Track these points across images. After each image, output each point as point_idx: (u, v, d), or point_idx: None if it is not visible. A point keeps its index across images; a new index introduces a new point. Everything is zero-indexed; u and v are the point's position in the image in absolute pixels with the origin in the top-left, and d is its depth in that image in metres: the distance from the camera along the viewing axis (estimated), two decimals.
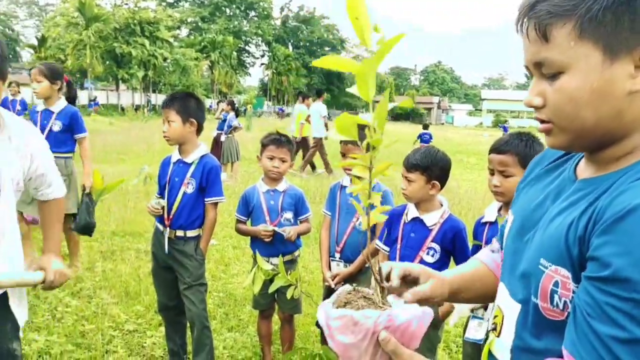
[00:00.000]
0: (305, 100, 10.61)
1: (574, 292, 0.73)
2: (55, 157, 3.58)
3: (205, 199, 2.54)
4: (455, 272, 1.06)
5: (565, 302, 0.74)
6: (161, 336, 2.97)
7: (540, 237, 0.80)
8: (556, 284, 0.75)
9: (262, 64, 62.07)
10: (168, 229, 2.53)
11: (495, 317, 0.90)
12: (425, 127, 16.04)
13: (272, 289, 1.96)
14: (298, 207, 2.75)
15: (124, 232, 5.31)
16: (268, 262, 2.55)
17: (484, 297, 1.07)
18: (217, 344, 2.81)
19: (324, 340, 2.75)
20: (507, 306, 0.86)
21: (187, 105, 2.52)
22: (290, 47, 62.45)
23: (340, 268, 2.65)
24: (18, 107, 8.89)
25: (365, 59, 0.78)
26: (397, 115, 56.41)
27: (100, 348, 2.84)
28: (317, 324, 2.72)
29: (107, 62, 34.88)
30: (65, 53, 33.17)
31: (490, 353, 0.91)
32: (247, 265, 4.43)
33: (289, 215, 2.71)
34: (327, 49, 65.86)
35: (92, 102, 31.56)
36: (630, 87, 0.72)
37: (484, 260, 1.09)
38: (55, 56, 33.74)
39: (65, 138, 3.85)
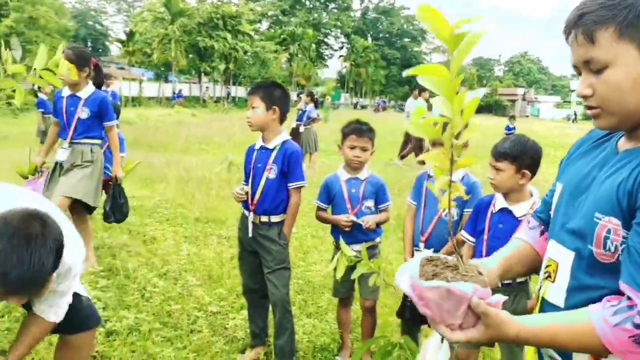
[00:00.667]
0: (421, 94, 10.33)
1: (623, 237, 0.93)
2: (81, 142, 3.69)
3: (288, 184, 2.59)
4: (499, 258, 1.21)
5: (615, 246, 0.94)
6: (243, 319, 3.07)
7: (594, 197, 0.99)
8: (609, 232, 0.95)
9: (340, 56, 62.30)
10: (252, 214, 2.61)
11: (548, 266, 1.09)
12: (512, 118, 15.39)
13: (354, 275, 1.99)
14: (379, 195, 2.75)
15: (207, 218, 5.56)
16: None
17: (529, 270, 1.24)
18: (296, 329, 2.87)
19: (404, 330, 2.73)
20: (561, 256, 1.06)
21: (272, 93, 2.59)
22: (369, 39, 62.14)
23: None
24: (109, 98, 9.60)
25: (450, 70, 0.87)
26: (479, 108, 54.35)
27: (186, 327, 2.99)
28: (397, 314, 2.71)
29: (191, 56, 36.70)
30: (152, 47, 35.31)
31: (543, 300, 1.09)
32: (326, 254, 4.46)
33: (369, 203, 2.73)
34: (406, 40, 64.69)
35: (176, 95, 33.35)
36: None
37: (524, 238, 1.26)
38: (142, 50, 36.08)
39: (92, 124, 3.71)
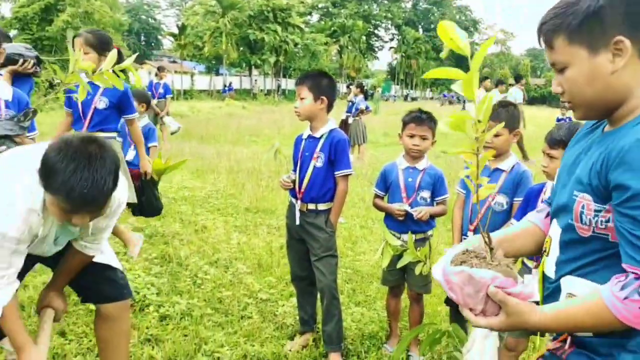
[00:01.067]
0: (482, 83, 10.03)
1: (595, 210, 1.06)
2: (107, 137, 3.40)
3: (335, 172, 2.61)
4: (500, 234, 1.32)
5: (589, 219, 1.07)
6: (292, 306, 3.11)
7: (575, 177, 1.13)
8: (583, 207, 1.08)
9: (390, 47, 61.63)
10: (300, 202, 2.64)
11: (545, 242, 1.23)
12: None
13: (400, 264, 2.03)
14: (436, 187, 2.73)
15: (256, 208, 5.67)
16: (399, 238, 2.59)
17: (536, 247, 1.32)
18: (344, 317, 2.90)
19: (452, 318, 2.71)
20: (554, 232, 1.19)
21: (320, 83, 2.62)
22: (421, 30, 61.03)
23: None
24: (161, 90, 9.90)
25: (469, 73, 1.03)
26: (532, 99, 52.21)
27: (236, 313, 3.06)
28: (446, 302, 2.69)
29: (241, 49, 37.34)
30: (203, 40, 36.18)
31: (543, 273, 1.22)
32: (374, 244, 4.47)
33: (425, 194, 2.71)
34: None
35: (227, 88, 34.06)
36: (612, 68, 1.05)
37: (531, 219, 1.37)
38: (193, 43, 37.02)
39: (110, 116, 3.51)
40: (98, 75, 2.92)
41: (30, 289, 3.15)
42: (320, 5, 54.19)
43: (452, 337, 2.23)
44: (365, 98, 10.37)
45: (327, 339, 2.67)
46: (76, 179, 1.43)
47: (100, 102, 3.44)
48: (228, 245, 4.29)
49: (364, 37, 49.64)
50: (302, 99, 2.61)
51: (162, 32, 55.97)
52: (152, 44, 56.13)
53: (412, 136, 2.69)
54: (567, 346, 1.16)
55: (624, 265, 1.00)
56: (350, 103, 10.26)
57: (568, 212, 1.13)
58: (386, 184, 2.81)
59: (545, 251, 1.22)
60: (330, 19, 50.29)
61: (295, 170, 2.73)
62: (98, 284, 2.00)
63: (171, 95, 10.07)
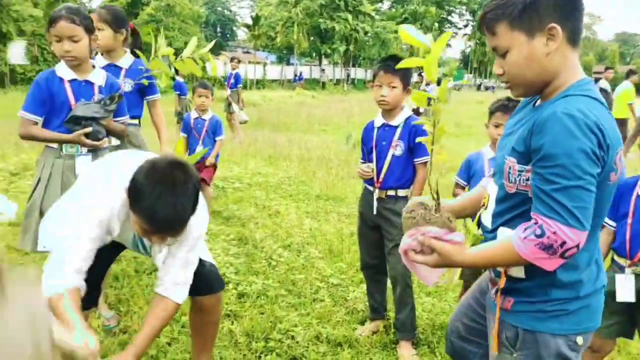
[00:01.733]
0: (630, 76, 9.43)
1: (518, 171, 1.28)
2: (122, 122, 3.02)
3: (415, 160, 2.59)
4: (457, 200, 1.64)
5: (514, 178, 1.29)
6: (362, 292, 3.15)
7: (508, 144, 1.33)
8: (510, 168, 1.30)
9: (464, 34, 59.43)
10: (377, 190, 2.64)
11: (484, 198, 1.46)
12: None
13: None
14: None
15: (327, 196, 5.75)
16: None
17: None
18: (416, 306, 2.88)
19: None
20: (491, 189, 1.41)
21: (410, 72, 2.59)
22: None
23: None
24: (232, 80, 10.22)
25: (427, 58, 1.33)
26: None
27: (309, 296, 3.16)
28: None
29: (312, 38, 37.62)
30: (275, 31, 36.82)
31: (479, 221, 1.46)
32: None
33: None
34: None
35: (297, 77, 34.48)
36: (546, 50, 1.25)
37: (482, 184, 1.62)
38: (266, 34, 37.75)
39: (134, 100, 3.12)
40: (179, 62, 3.04)
41: (122, 260, 3.41)
42: None
43: None
44: (438, 85, 10.12)
45: (400, 327, 2.69)
46: (160, 205, 1.53)
47: (126, 84, 3.09)
48: (300, 230, 4.40)
49: (436, 24, 48.25)
50: (393, 87, 2.53)
51: (236, 24, 57.49)
52: (227, 36, 57.78)
53: (497, 126, 2.61)
54: (499, 291, 1.39)
55: (531, 214, 1.24)
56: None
57: (501, 173, 1.36)
58: (469, 173, 2.76)
59: (484, 205, 1.46)
60: (401, 5, 49.30)
61: (364, 159, 2.74)
62: None
63: (241, 85, 10.35)
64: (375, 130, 2.68)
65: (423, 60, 1.32)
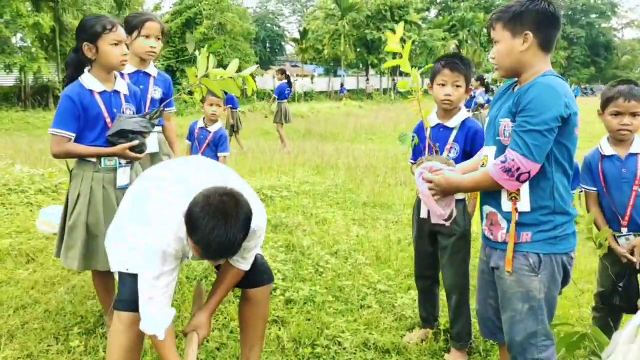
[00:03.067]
0: None
1: (511, 127, 1.75)
2: (155, 131, 3.06)
3: None
4: (464, 164, 2.17)
5: (508, 132, 1.77)
6: (410, 299, 3.09)
7: (498, 113, 1.86)
8: (505, 127, 1.79)
9: None
10: None
11: (483, 159, 1.92)
12: None
13: None
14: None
15: (374, 203, 5.69)
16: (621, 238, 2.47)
17: None
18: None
19: (595, 322, 2.56)
20: (488, 150, 1.89)
21: (470, 73, 2.51)
22: None
23: (630, 241, 2.38)
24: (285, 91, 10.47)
25: (402, 58, 2.16)
26: None
27: (356, 302, 3.11)
28: (603, 300, 2.52)
29: (358, 49, 37.66)
30: (323, 43, 37.12)
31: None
32: None
33: None
34: (593, 16, 57.14)
35: (341, 89, 34.54)
36: (521, 48, 1.78)
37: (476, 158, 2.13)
38: (313, 47, 38.13)
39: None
40: (220, 81, 2.67)
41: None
42: (438, 0, 52.61)
43: (590, 341, 2.06)
44: (487, 92, 9.87)
45: (455, 337, 2.60)
46: (213, 237, 1.64)
47: (155, 92, 3.13)
48: (347, 237, 4.36)
49: (484, 30, 47.13)
50: (457, 86, 2.46)
51: (285, 39, 58.43)
52: (276, 50, 58.85)
53: (617, 114, 2.37)
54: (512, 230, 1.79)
55: (507, 150, 1.74)
56: (469, 97, 9.84)
57: (496, 133, 1.83)
58: (592, 175, 2.51)
59: (483, 165, 1.89)
60: (448, 13, 48.50)
61: (414, 159, 2.66)
62: None
63: (287, 99, 10.56)
64: (428, 130, 2.55)
65: (401, 62, 2.06)
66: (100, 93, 2.43)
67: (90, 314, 2.82)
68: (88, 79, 2.43)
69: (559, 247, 1.77)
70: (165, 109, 3.22)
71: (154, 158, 3.11)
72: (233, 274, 2.06)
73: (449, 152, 2.49)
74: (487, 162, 1.86)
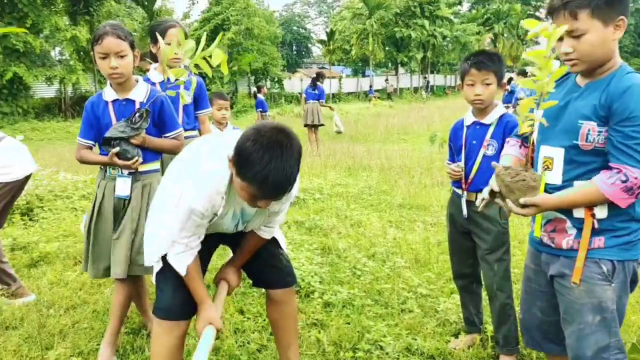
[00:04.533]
0: None
1: (598, 131, 1.62)
2: (192, 136, 3.15)
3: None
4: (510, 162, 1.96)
5: (593, 138, 1.63)
6: (454, 303, 3.02)
7: (574, 112, 1.68)
8: (589, 130, 1.63)
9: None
10: (466, 192, 2.53)
11: (545, 162, 1.75)
12: None
13: None
14: None
15: (410, 205, 5.64)
16: None
17: None
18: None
19: None
20: (554, 153, 1.72)
21: (502, 67, 2.48)
22: None
23: None
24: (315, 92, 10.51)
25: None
26: None
27: (396, 306, 3.07)
28: None
29: (387, 48, 37.51)
30: (350, 44, 37.14)
31: (546, 185, 1.73)
32: None
33: None
34: None
35: (370, 90, 34.47)
36: (613, 37, 1.62)
37: (512, 153, 1.99)
38: (341, 47, 38.18)
39: (191, 113, 3.29)
40: (190, 64, 2.48)
41: (213, 271, 3.54)
42: None
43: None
44: None
45: (502, 342, 2.52)
46: (270, 170, 1.57)
47: (188, 97, 3.18)
48: (384, 240, 4.33)
49: (522, 22, 46.19)
50: (487, 84, 2.42)
51: (311, 41, 58.80)
52: (303, 53, 59.26)
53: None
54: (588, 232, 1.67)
55: (610, 164, 1.59)
56: (506, 92, 9.63)
57: (571, 136, 1.66)
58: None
59: (547, 168, 1.74)
60: (482, 5, 47.75)
61: (452, 159, 2.64)
62: (264, 272, 2.19)
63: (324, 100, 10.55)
64: (465, 128, 2.57)
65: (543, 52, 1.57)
66: (113, 102, 2.46)
67: (135, 315, 2.92)
68: (107, 89, 2.49)
69: (632, 253, 1.68)
70: (198, 112, 3.35)
71: None
72: (256, 240, 2.12)
73: (487, 149, 2.47)
74: (552, 166, 1.72)
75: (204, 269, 2.08)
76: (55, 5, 21.28)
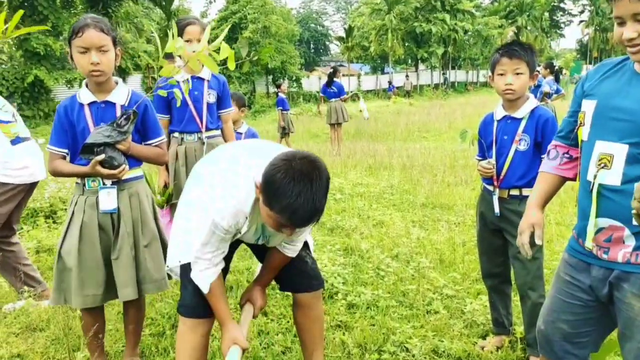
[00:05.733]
0: None
1: None
2: (216, 135, 3.25)
3: (543, 156, 2.40)
4: (541, 196, 1.83)
5: None
6: (481, 304, 3.00)
7: (631, 101, 1.49)
8: None
9: (580, 21, 55.29)
10: (498, 189, 2.51)
11: (602, 159, 1.54)
12: None
13: None
14: None
15: (433, 204, 5.61)
16: None
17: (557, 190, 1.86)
18: None
19: None
20: (614, 149, 1.51)
21: (535, 56, 2.44)
22: None
23: None
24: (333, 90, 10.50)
25: None
26: None
27: (422, 307, 3.07)
28: None
29: (407, 44, 37.31)
30: (369, 40, 37.03)
31: (600, 185, 1.54)
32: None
33: None
34: None
35: (390, 87, 34.38)
36: None
37: (552, 172, 1.82)
38: (360, 44, 38.09)
39: (215, 112, 3.35)
40: (193, 60, 2.53)
41: (236, 272, 3.59)
42: None
43: None
44: (557, 80, 9.51)
45: (533, 344, 2.49)
46: (299, 203, 1.60)
47: (210, 96, 3.20)
48: (407, 240, 4.32)
49: (546, 14, 45.39)
50: (518, 74, 2.39)
51: (329, 38, 58.81)
52: (321, 50, 59.31)
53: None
54: None
55: None
56: (532, 86, 9.51)
57: (632, 132, 1.47)
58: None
59: (605, 166, 1.54)
60: None
61: (481, 155, 2.63)
62: (291, 276, 2.18)
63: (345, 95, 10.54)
64: (496, 123, 2.54)
65: None
66: (90, 105, 2.25)
67: (160, 316, 2.98)
68: (82, 91, 2.27)
69: None
70: (221, 111, 3.38)
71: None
72: (280, 259, 2.11)
73: (519, 144, 2.44)
74: (611, 163, 1.53)
75: (225, 270, 2.09)
76: (74, 7, 21.58)
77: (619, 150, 1.50)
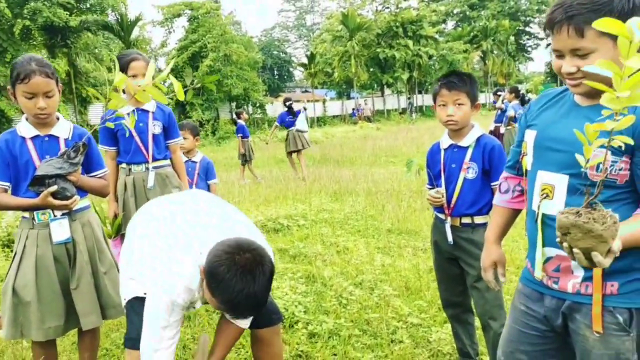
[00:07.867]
0: None
1: (612, 161, 1.46)
2: (163, 165, 3.38)
3: (493, 183, 2.46)
4: (497, 231, 1.91)
5: (606, 168, 1.38)
6: (448, 333, 3.00)
7: (569, 135, 1.49)
8: (605, 159, 1.33)
9: (548, 44, 57.47)
10: (450, 217, 2.54)
11: (544, 189, 1.57)
12: None
13: None
14: None
15: (399, 230, 5.65)
16: None
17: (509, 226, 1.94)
18: None
19: None
20: (555, 180, 1.55)
21: (475, 86, 2.52)
22: None
23: None
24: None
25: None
26: None
27: (386, 337, 3.05)
28: None
29: (371, 69, 38.09)
30: (332, 66, 37.64)
31: (544, 215, 1.57)
32: None
33: None
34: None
35: (355, 110, 34.90)
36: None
37: (505, 205, 1.89)
38: (323, 70, 38.66)
39: (162, 142, 3.44)
40: (139, 93, 2.38)
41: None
42: (455, 11, 53.12)
43: None
44: (523, 104, 9.84)
45: None
46: (241, 298, 1.68)
47: (155, 127, 3.34)
48: (372, 267, 4.31)
49: (512, 38, 47.15)
50: (459, 104, 2.46)
51: (292, 64, 59.58)
52: (285, 77, 59.91)
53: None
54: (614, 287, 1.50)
55: None
56: (499, 111, 9.82)
57: (575, 162, 1.38)
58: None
59: (547, 196, 1.57)
60: (468, 23, 48.90)
61: (431, 184, 2.66)
62: None
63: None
64: (443, 152, 2.60)
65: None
66: (33, 138, 2.34)
67: (114, 347, 2.95)
68: (22, 124, 2.36)
69: None
70: (169, 141, 3.48)
71: (164, 191, 3.24)
72: (234, 332, 2.12)
73: (467, 172, 2.49)
74: (552, 193, 1.55)
75: None
76: (33, 39, 21.65)
77: (560, 181, 1.54)
